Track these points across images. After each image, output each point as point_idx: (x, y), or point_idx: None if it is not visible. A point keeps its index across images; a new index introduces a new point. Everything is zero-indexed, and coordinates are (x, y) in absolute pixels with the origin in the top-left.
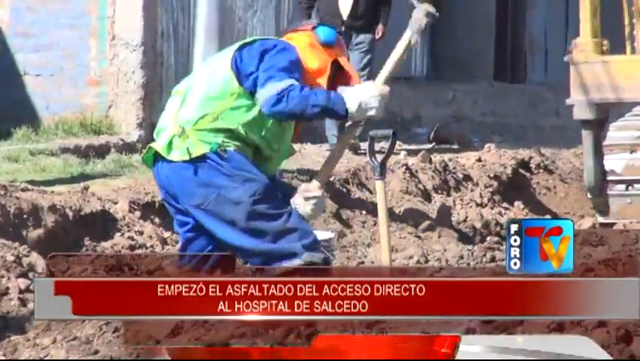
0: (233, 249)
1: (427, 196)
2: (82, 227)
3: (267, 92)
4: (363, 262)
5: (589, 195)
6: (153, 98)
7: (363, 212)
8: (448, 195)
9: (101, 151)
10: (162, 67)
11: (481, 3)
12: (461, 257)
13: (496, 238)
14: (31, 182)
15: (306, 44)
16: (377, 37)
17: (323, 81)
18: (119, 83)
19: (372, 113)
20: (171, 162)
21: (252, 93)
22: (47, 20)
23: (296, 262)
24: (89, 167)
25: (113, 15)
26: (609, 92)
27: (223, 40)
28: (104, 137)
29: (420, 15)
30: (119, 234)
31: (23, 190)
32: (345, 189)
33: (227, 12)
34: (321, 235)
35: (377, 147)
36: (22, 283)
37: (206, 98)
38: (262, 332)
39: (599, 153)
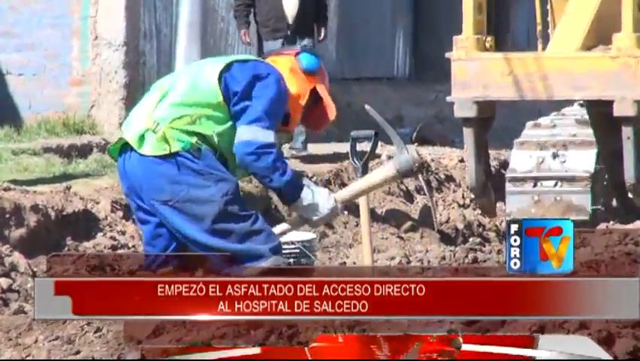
0: (199, 246)
1: (409, 197)
2: (64, 227)
3: (247, 135)
4: (345, 263)
5: (472, 195)
6: (136, 97)
7: (345, 213)
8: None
9: (84, 151)
10: (145, 66)
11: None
12: (443, 258)
13: (478, 240)
14: (14, 181)
15: (287, 69)
16: (320, 39)
17: (300, 106)
18: (101, 83)
19: (314, 218)
20: (141, 155)
21: (230, 110)
22: (30, 20)
23: (262, 265)
24: (72, 167)
25: (95, 15)
26: (489, 89)
27: (205, 40)
28: (86, 136)
29: (414, 158)
30: (101, 234)
31: (5, 190)
32: (327, 189)
33: (210, 12)
34: (303, 235)
35: (359, 147)
36: (4, 282)
37: (187, 101)
38: (244, 332)
39: (482, 153)
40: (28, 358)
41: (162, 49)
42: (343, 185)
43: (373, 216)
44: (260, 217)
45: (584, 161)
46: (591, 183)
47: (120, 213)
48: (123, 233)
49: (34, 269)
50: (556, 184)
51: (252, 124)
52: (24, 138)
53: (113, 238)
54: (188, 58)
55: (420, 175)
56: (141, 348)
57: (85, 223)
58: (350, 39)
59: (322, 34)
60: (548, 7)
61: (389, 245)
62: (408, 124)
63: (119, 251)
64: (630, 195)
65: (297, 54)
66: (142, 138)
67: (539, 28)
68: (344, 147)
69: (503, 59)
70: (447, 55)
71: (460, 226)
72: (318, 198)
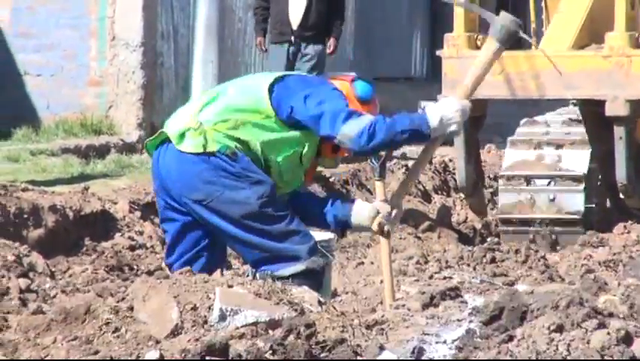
0: (238, 242)
1: (426, 197)
2: (82, 227)
3: (352, 130)
4: (363, 263)
5: (462, 195)
6: (153, 98)
7: None
8: (448, 195)
9: (101, 151)
10: (162, 67)
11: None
12: (461, 258)
13: (496, 239)
14: (32, 182)
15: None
16: (329, 50)
17: None
18: (119, 84)
19: (453, 128)
20: (180, 152)
21: (282, 122)
22: (48, 20)
23: (299, 267)
24: (90, 167)
25: (113, 15)
26: (480, 88)
27: (223, 41)
28: (104, 137)
29: (506, 22)
30: (119, 234)
31: (24, 190)
32: (344, 190)
33: (227, 12)
34: (321, 235)
35: None
36: (23, 282)
37: (233, 107)
38: (262, 332)
39: (472, 153)
40: (46, 358)
41: (180, 49)
42: (361, 185)
43: None
44: (295, 218)
45: (577, 160)
46: (585, 182)
47: (138, 214)
48: (141, 233)
49: (52, 269)
50: (549, 183)
51: (347, 120)
52: (42, 138)
53: (131, 238)
54: (206, 58)
55: (521, 32)
56: (159, 348)
57: (103, 224)
58: (367, 39)
59: (332, 47)
60: (542, 4)
61: (407, 245)
62: None
63: (137, 251)
64: (622, 196)
65: (353, 80)
66: (183, 135)
67: (533, 26)
68: None
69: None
70: (438, 52)
71: (478, 226)
72: (443, 109)
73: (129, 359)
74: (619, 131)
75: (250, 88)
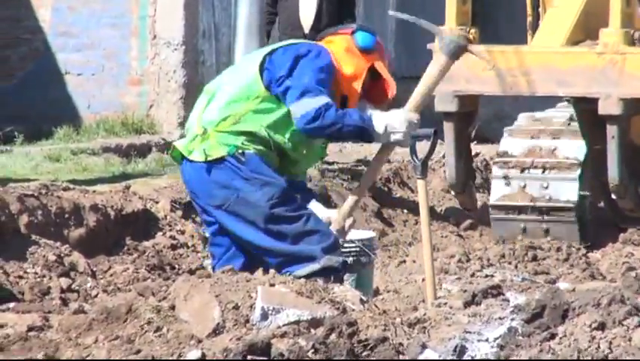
0: (253, 247)
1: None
2: (123, 226)
3: (302, 108)
4: (404, 261)
5: (452, 192)
6: (195, 97)
7: (405, 211)
8: (489, 194)
9: (143, 150)
10: (204, 66)
11: None
12: (502, 256)
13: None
14: (73, 181)
15: (343, 48)
16: None
17: (358, 86)
18: (160, 83)
19: (396, 137)
20: (192, 161)
21: (278, 97)
22: (88, 20)
23: (315, 267)
24: (131, 166)
25: (154, 14)
26: (470, 83)
27: (263, 41)
28: (145, 136)
29: (454, 37)
30: (161, 233)
31: (65, 190)
32: (386, 188)
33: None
34: (363, 234)
35: (418, 145)
36: (64, 282)
37: (231, 101)
38: (304, 331)
39: (463, 149)
40: (88, 358)
41: (221, 48)
42: (402, 183)
43: (432, 214)
44: (312, 216)
45: (573, 149)
46: (580, 170)
47: (180, 213)
48: (182, 233)
49: (94, 269)
50: (544, 171)
51: (302, 97)
52: (83, 137)
53: (172, 238)
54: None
55: (469, 47)
56: (201, 347)
57: (144, 223)
58: (408, 38)
59: None
60: None
61: (448, 243)
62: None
63: (178, 250)
64: (614, 197)
65: (353, 32)
66: (191, 144)
67: (530, 19)
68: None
69: (486, 51)
70: (428, 46)
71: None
72: (389, 118)
73: (171, 358)
74: (612, 130)
75: (243, 74)
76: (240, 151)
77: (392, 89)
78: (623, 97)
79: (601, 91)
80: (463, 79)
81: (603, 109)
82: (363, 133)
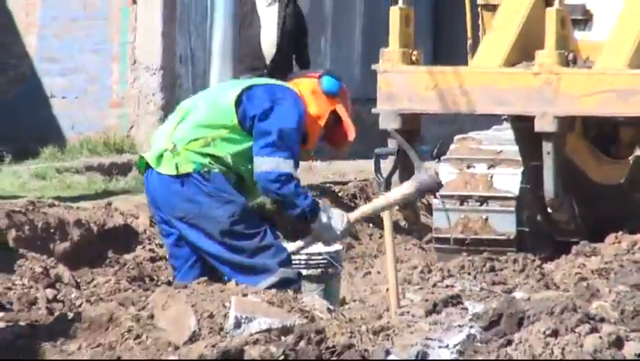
0: (212, 258)
1: (430, 210)
2: (106, 240)
3: (268, 165)
4: (369, 273)
5: (396, 207)
6: None
7: (370, 225)
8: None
9: (124, 169)
10: (181, 89)
11: None
12: (462, 267)
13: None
14: (58, 198)
15: (309, 90)
16: None
17: (319, 126)
18: (139, 105)
19: (327, 237)
20: (159, 173)
21: (247, 131)
22: (72, 46)
23: (273, 279)
24: (112, 184)
25: (133, 40)
26: (413, 102)
27: (237, 64)
28: (126, 155)
29: (431, 178)
30: (141, 247)
31: (50, 206)
32: (352, 204)
33: None
34: (330, 247)
35: (382, 163)
36: (50, 293)
37: (203, 124)
38: (275, 338)
39: (406, 166)
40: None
41: (197, 72)
42: (368, 199)
43: (396, 228)
44: (268, 233)
45: (509, 181)
46: (516, 203)
47: (158, 228)
48: (161, 246)
49: (78, 280)
50: (482, 203)
51: (273, 155)
52: (67, 157)
53: (151, 251)
54: (222, 80)
55: (437, 193)
56: (178, 354)
57: (125, 237)
58: (374, 60)
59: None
60: (480, 21)
61: (411, 255)
62: (429, 141)
63: (157, 263)
64: (550, 210)
65: (320, 76)
66: (160, 157)
67: (469, 42)
68: (368, 164)
69: (427, 72)
70: (373, 67)
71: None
72: (333, 218)
73: None
74: (547, 147)
75: (219, 102)
76: (206, 169)
77: (351, 133)
78: (558, 115)
79: (537, 109)
80: (406, 98)
81: (539, 127)
82: (303, 221)
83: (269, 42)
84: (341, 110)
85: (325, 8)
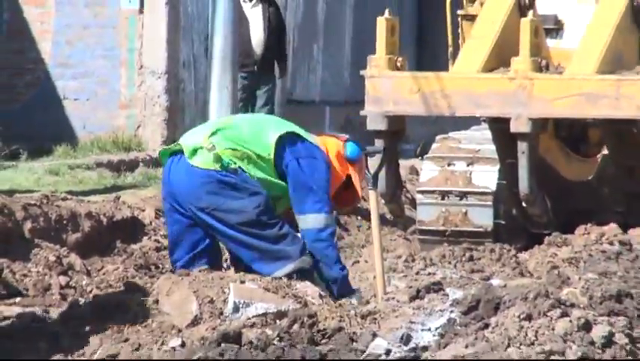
0: (236, 244)
1: (414, 203)
2: (114, 231)
3: (320, 223)
4: (358, 261)
5: (383, 201)
6: (176, 119)
7: (359, 218)
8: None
9: (131, 165)
10: (184, 92)
11: None
12: (443, 256)
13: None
14: (70, 192)
15: (334, 152)
16: (281, 75)
17: (334, 185)
18: (146, 107)
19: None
20: (190, 165)
21: (278, 170)
22: (84, 52)
23: (289, 268)
24: (120, 179)
25: (140, 47)
26: (398, 105)
27: (236, 70)
28: (133, 153)
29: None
30: (147, 237)
31: (63, 199)
32: None
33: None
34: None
35: (370, 160)
36: (63, 280)
37: (243, 141)
38: (270, 322)
39: (392, 162)
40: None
41: (199, 77)
42: None
43: (382, 220)
44: (286, 224)
45: (487, 177)
46: (493, 198)
47: (163, 220)
48: (165, 237)
49: (88, 268)
50: (462, 198)
51: (322, 213)
52: (79, 154)
53: (156, 241)
54: (221, 85)
55: None
56: (181, 336)
57: (132, 228)
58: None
59: (282, 72)
60: (459, 30)
61: (396, 246)
62: (412, 140)
63: (162, 252)
64: (524, 205)
65: (346, 141)
66: (195, 150)
67: (450, 49)
68: None
69: (411, 77)
70: (361, 72)
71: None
72: (354, 297)
73: (155, 345)
74: (522, 147)
75: (261, 133)
76: (234, 168)
77: (358, 199)
78: (532, 117)
79: (512, 112)
80: (392, 101)
81: (514, 128)
82: (331, 281)
83: (257, 41)
84: (354, 177)
85: (318, 18)
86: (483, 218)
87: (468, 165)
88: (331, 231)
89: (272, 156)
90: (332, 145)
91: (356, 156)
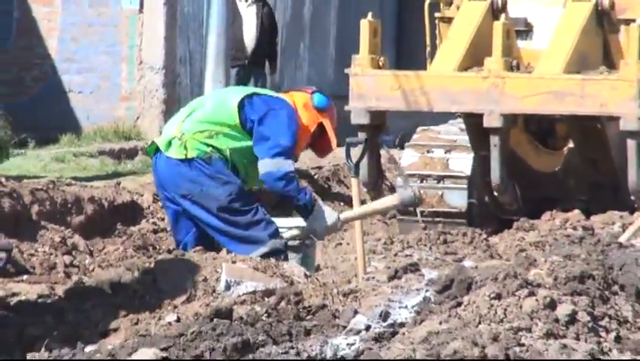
0: (212, 230)
1: (392, 190)
2: (115, 215)
3: (274, 167)
4: (341, 243)
5: (365, 189)
6: (172, 111)
7: (342, 203)
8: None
9: (131, 153)
10: (180, 86)
11: None
12: (420, 240)
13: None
14: (75, 178)
15: (302, 104)
16: (271, 72)
17: (306, 136)
18: (145, 99)
19: (318, 228)
20: (167, 157)
21: (247, 132)
22: (88, 48)
23: (264, 249)
24: (121, 166)
25: (140, 44)
26: (380, 101)
27: (229, 65)
28: (133, 142)
29: (413, 197)
30: (145, 220)
31: (68, 185)
32: (327, 185)
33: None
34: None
35: (352, 151)
36: (67, 259)
37: (209, 120)
38: (259, 299)
39: (374, 153)
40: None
41: (194, 72)
42: (340, 181)
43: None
44: (260, 209)
45: (462, 163)
46: (468, 181)
47: (160, 204)
48: (162, 219)
49: (91, 248)
50: (439, 181)
51: (276, 157)
52: (83, 143)
53: (154, 224)
54: (215, 79)
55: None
56: (177, 312)
57: (132, 212)
58: (347, 63)
59: (273, 69)
60: (437, 31)
61: (376, 229)
62: (392, 132)
63: (159, 234)
64: (496, 194)
65: (313, 93)
66: (169, 143)
67: (428, 49)
68: (340, 151)
69: (392, 75)
70: (346, 71)
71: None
72: (326, 212)
73: (152, 320)
74: (494, 140)
75: (224, 103)
76: (208, 156)
77: (334, 144)
78: (503, 113)
79: (485, 108)
80: (374, 97)
81: (487, 122)
82: (303, 210)
83: (250, 37)
84: (327, 124)
85: (304, 19)
86: (458, 200)
87: (445, 153)
88: (286, 171)
89: (237, 121)
90: (299, 97)
91: (324, 105)
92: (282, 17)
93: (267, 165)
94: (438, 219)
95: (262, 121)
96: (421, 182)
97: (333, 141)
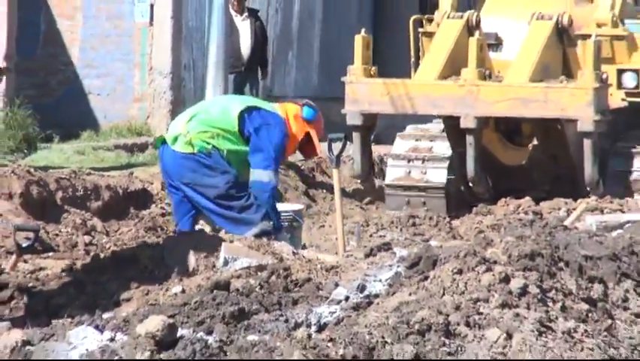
0: (210, 212)
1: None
2: (128, 200)
3: (264, 177)
4: (324, 226)
5: (358, 181)
6: (178, 111)
7: (324, 191)
8: (384, 178)
9: (142, 147)
10: (185, 89)
11: None
12: (392, 222)
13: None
14: (93, 168)
15: (292, 114)
16: (262, 78)
17: (294, 143)
18: (154, 100)
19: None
20: (174, 150)
21: (244, 138)
22: (105, 56)
23: (254, 231)
24: (134, 158)
25: (150, 52)
26: (372, 105)
27: (227, 71)
28: (144, 137)
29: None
30: (154, 205)
31: (88, 174)
32: (311, 175)
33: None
34: (294, 206)
35: (333, 145)
36: (87, 238)
37: (212, 123)
38: (253, 273)
39: (366, 149)
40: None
41: (197, 77)
42: (323, 171)
43: (343, 193)
44: (251, 195)
45: (443, 148)
46: (448, 162)
47: (167, 191)
48: (170, 205)
49: (108, 230)
50: (423, 162)
51: (268, 168)
52: (101, 138)
53: (162, 208)
54: (215, 83)
55: None
56: (182, 284)
57: (143, 198)
58: (329, 70)
59: (264, 75)
60: (420, 44)
61: (354, 213)
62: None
63: (167, 217)
64: (471, 185)
65: (303, 105)
66: (176, 138)
67: (413, 59)
68: (323, 145)
69: (383, 83)
70: (342, 79)
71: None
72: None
73: (161, 291)
74: (469, 139)
75: (226, 110)
76: (207, 150)
77: (318, 150)
78: (477, 116)
79: (462, 111)
80: (367, 102)
81: (464, 124)
82: (265, 230)
83: (246, 47)
84: (313, 134)
85: (292, 31)
86: (438, 177)
87: (430, 141)
88: (273, 185)
89: (236, 128)
90: (291, 109)
91: (312, 117)
92: (273, 30)
93: (259, 175)
94: (422, 193)
95: (257, 132)
96: (408, 162)
97: (319, 148)
